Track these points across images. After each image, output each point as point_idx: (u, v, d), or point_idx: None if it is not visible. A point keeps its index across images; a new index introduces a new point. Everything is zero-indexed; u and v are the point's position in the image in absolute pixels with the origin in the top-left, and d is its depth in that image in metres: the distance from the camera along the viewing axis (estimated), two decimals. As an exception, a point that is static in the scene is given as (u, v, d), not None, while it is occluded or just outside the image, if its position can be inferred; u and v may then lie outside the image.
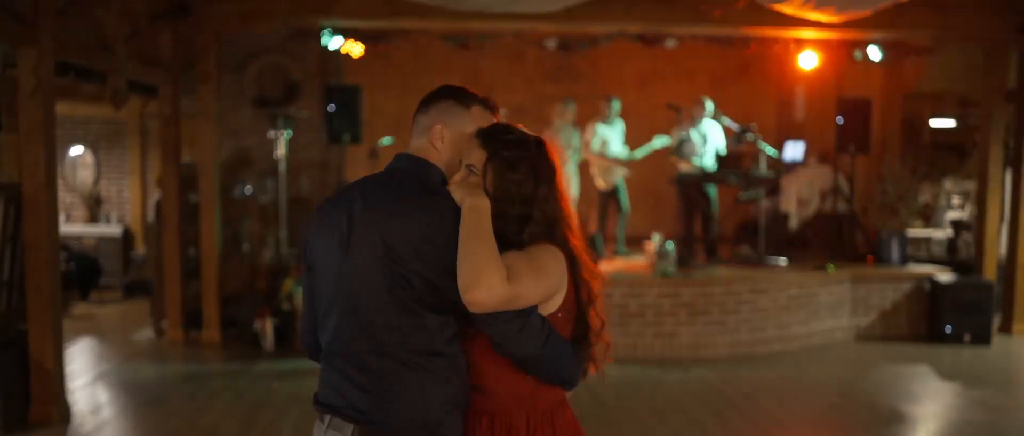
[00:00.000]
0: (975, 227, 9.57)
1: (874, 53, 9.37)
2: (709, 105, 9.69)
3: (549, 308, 2.36)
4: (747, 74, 12.32)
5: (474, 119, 2.51)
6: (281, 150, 9.59)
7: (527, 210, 2.35)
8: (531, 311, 2.29)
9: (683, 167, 9.69)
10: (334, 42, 9.16)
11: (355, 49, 9.31)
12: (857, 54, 9.46)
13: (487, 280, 2.15)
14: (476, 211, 2.26)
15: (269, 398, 6.85)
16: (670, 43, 9.26)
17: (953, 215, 11.98)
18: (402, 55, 11.28)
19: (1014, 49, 9.18)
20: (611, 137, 9.91)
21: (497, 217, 2.30)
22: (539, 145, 2.43)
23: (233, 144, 10.51)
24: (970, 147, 14.05)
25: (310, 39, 9.41)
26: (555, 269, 2.33)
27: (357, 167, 11.13)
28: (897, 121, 10.07)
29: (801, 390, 7.36)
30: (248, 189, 9.82)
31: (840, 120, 9.75)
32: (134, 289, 11.24)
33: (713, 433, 6.11)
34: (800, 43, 9.26)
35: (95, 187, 11.59)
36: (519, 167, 2.36)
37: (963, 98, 10.67)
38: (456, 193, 2.32)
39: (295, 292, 8.25)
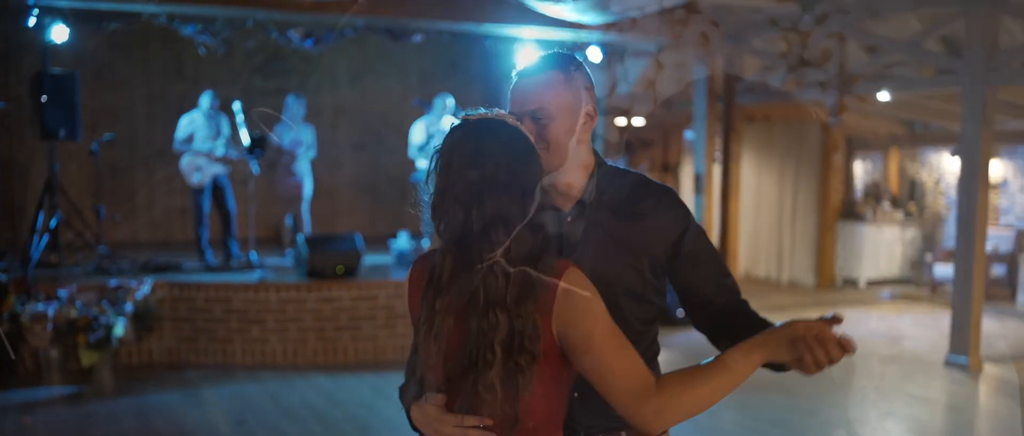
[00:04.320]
0: (703, 218, 10.40)
1: (595, 54, 9.86)
2: (449, 100, 9.66)
3: None
4: (456, 71, 12.47)
5: None
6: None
7: None
8: None
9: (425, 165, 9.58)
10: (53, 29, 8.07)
11: (60, 33, 8.21)
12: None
13: None
14: None
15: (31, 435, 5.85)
16: (417, 38, 9.13)
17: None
18: (96, 43, 10.02)
19: (723, 56, 10.11)
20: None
21: None
22: None
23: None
24: (635, 144, 15.30)
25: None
26: None
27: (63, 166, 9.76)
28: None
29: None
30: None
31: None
32: None
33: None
34: (537, 42, 9.50)
35: None
36: None
37: (668, 99, 11.53)
38: None
39: (22, 311, 7.06)
